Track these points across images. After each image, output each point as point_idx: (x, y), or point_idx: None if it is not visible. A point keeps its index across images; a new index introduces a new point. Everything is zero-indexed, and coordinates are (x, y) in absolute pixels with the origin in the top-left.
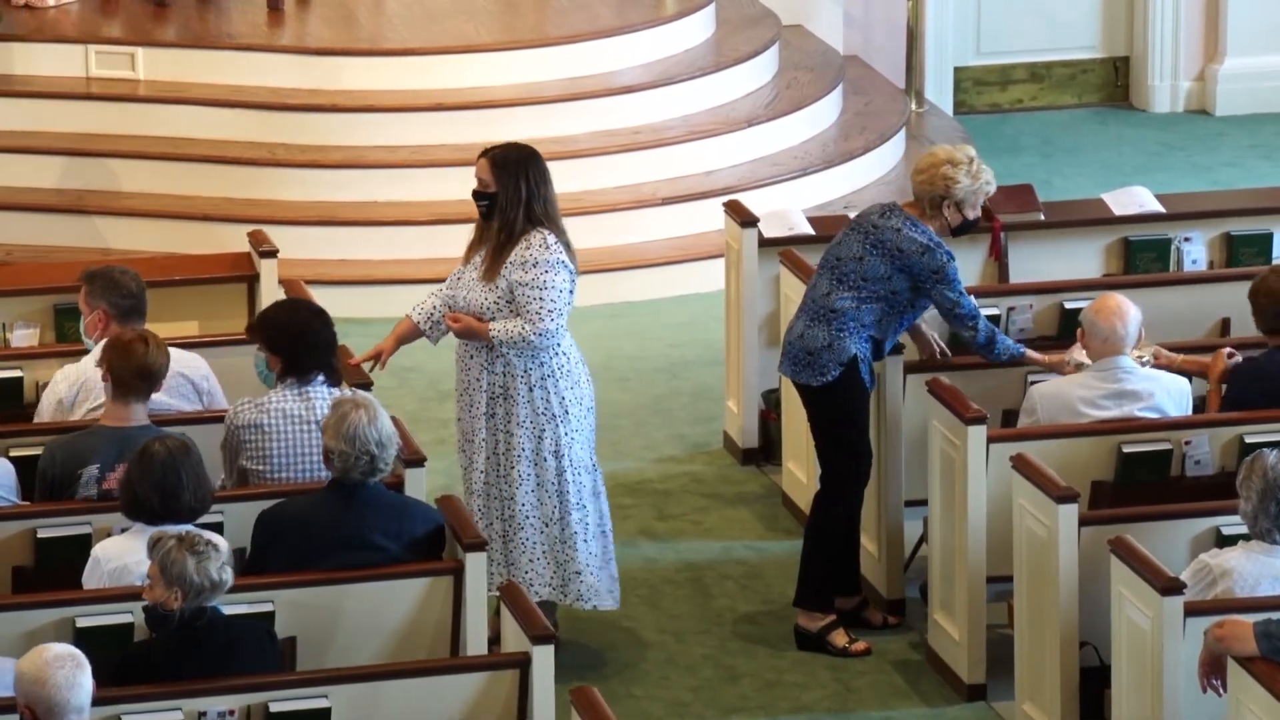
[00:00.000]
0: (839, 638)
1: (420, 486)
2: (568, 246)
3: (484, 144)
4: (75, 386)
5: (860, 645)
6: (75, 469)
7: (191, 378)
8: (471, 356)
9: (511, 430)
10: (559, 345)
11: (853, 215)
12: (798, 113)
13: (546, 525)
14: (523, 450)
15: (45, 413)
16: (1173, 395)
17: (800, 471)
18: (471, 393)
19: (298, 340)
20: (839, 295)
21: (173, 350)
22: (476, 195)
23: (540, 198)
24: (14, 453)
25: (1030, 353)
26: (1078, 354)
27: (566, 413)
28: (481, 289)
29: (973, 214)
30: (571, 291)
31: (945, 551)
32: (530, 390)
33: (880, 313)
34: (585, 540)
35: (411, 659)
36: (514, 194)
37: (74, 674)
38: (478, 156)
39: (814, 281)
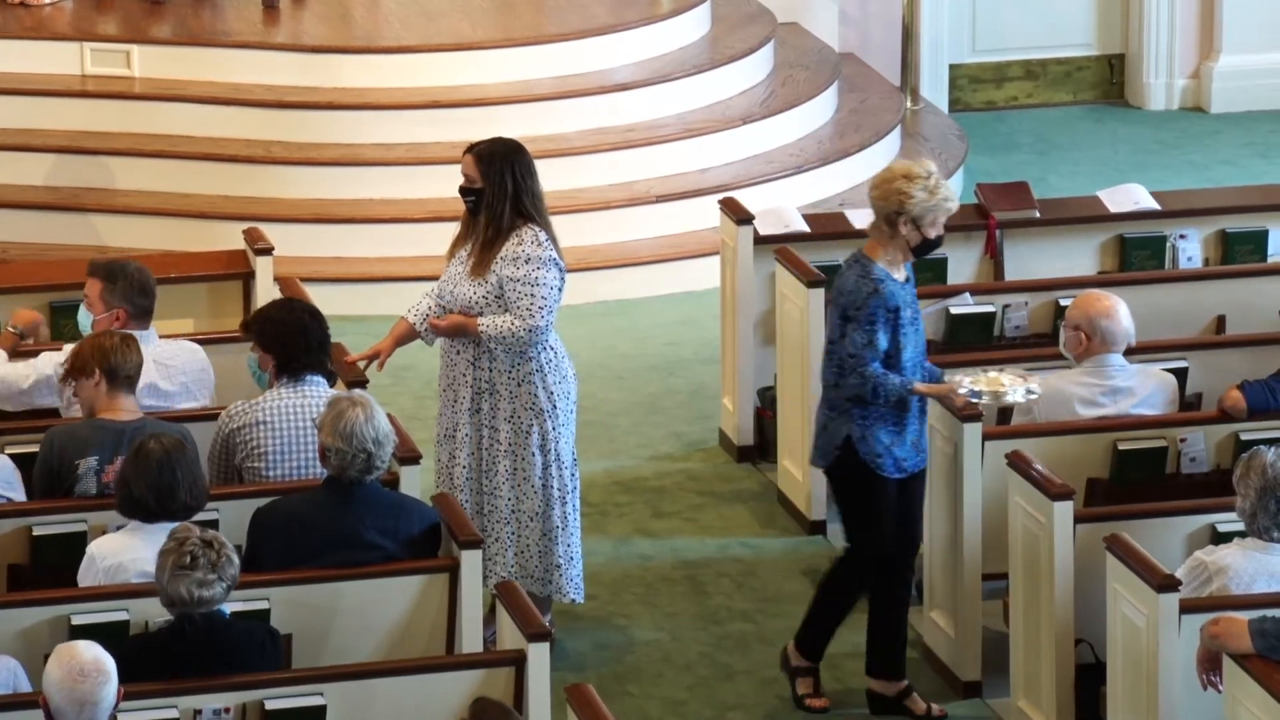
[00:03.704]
0: (802, 686)
1: (415, 484)
2: (555, 242)
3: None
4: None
5: (818, 702)
6: (73, 459)
7: (191, 369)
8: (458, 352)
9: (497, 425)
10: (546, 341)
11: (848, 212)
12: (793, 110)
13: (530, 519)
14: (509, 445)
15: (31, 374)
16: (1164, 390)
17: (796, 469)
18: (456, 388)
19: (290, 339)
20: (825, 371)
21: (169, 343)
22: (463, 191)
23: (527, 191)
24: (10, 450)
25: (918, 385)
26: (967, 382)
27: (554, 408)
28: (470, 284)
29: (933, 232)
30: (561, 288)
31: (941, 549)
32: (518, 385)
33: (859, 382)
34: (566, 534)
35: (407, 657)
36: (500, 189)
37: (95, 689)
38: (463, 153)
39: None
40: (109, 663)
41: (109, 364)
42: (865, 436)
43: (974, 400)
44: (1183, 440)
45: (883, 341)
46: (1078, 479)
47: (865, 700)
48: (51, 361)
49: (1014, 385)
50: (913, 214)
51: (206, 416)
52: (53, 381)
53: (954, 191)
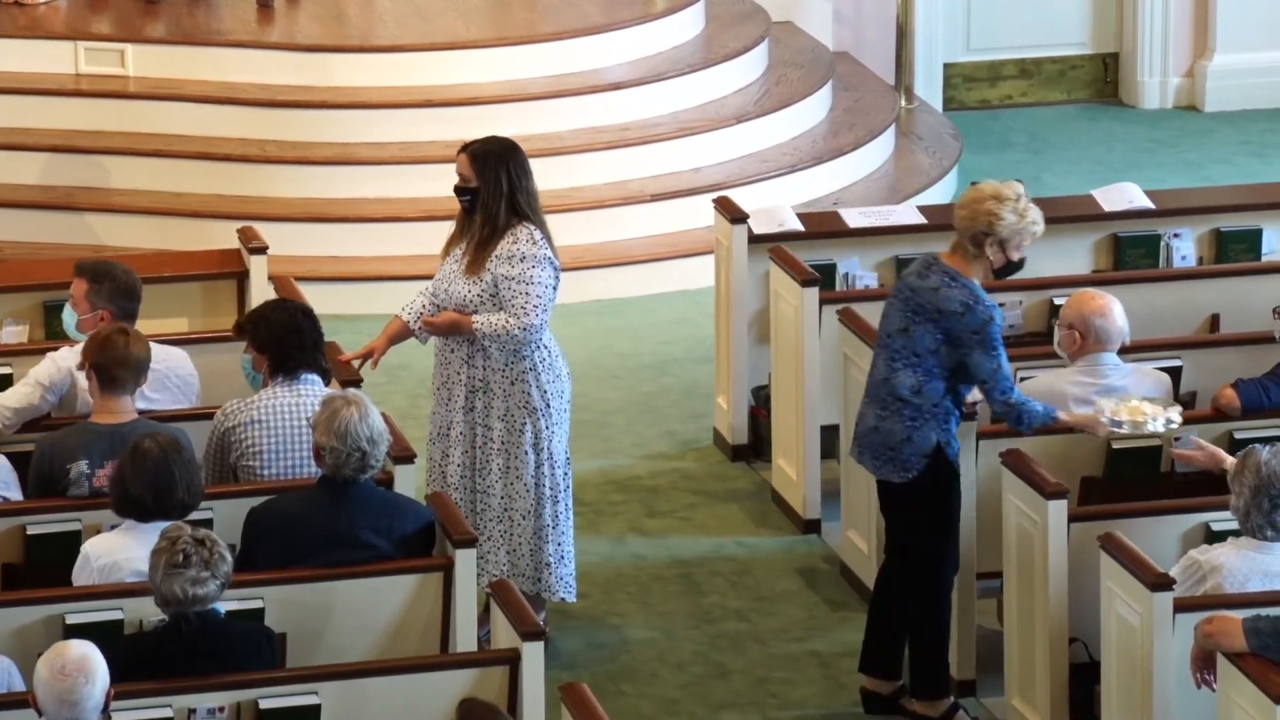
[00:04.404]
0: None
1: (410, 483)
2: (550, 240)
3: None
4: (60, 384)
5: None
6: (64, 464)
7: (180, 374)
8: (452, 350)
9: (490, 424)
10: (541, 339)
11: (842, 211)
12: (787, 109)
13: (523, 518)
14: (502, 443)
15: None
16: (1158, 389)
17: (790, 468)
18: (450, 386)
19: (285, 338)
20: (899, 378)
21: (157, 347)
22: (459, 190)
23: (522, 190)
24: (7, 449)
25: (1062, 416)
26: (1108, 411)
27: (548, 406)
28: (465, 282)
29: (1016, 255)
30: (556, 287)
31: None
32: (512, 384)
33: (945, 389)
34: (557, 533)
35: (401, 656)
36: (496, 188)
37: (75, 687)
38: (458, 152)
39: (873, 361)
40: (95, 662)
41: (95, 360)
42: (949, 440)
43: (1116, 430)
44: (1177, 439)
45: (1008, 363)
46: (1072, 478)
47: (860, 698)
48: (45, 371)
49: (1155, 415)
50: (1000, 235)
51: (200, 416)
52: (59, 384)
53: (1040, 214)
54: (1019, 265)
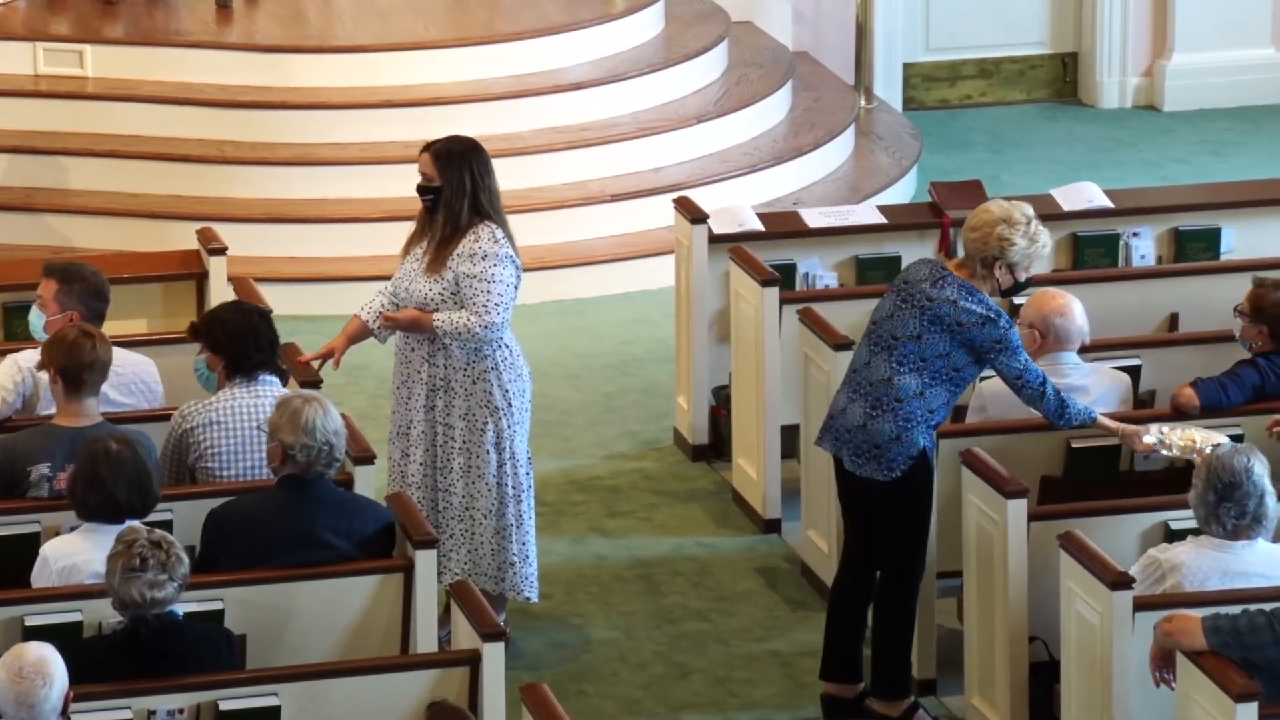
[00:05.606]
0: None
1: (370, 484)
2: (511, 239)
3: None
4: (24, 388)
5: None
6: (25, 466)
7: (147, 380)
8: (413, 349)
9: (452, 423)
10: (502, 338)
11: (802, 211)
12: (747, 109)
13: (485, 517)
14: (463, 442)
15: None
16: (1117, 388)
17: (750, 468)
18: (411, 385)
19: (242, 338)
20: (901, 380)
21: (127, 353)
22: (421, 189)
23: (485, 189)
24: None
25: (1102, 419)
26: (1155, 432)
27: (509, 405)
28: (425, 281)
29: (1024, 276)
30: (517, 286)
31: None
32: (473, 383)
33: (945, 394)
34: (520, 532)
35: (362, 657)
36: (459, 187)
37: (32, 690)
38: (420, 151)
39: (864, 358)
40: (54, 665)
41: (61, 364)
42: (933, 444)
43: (1162, 453)
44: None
45: (1033, 363)
46: (1031, 477)
47: (819, 703)
48: (7, 374)
49: (1206, 444)
50: (1011, 260)
51: (161, 418)
52: (22, 388)
53: (1049, 236)
54: (1026, 284)
